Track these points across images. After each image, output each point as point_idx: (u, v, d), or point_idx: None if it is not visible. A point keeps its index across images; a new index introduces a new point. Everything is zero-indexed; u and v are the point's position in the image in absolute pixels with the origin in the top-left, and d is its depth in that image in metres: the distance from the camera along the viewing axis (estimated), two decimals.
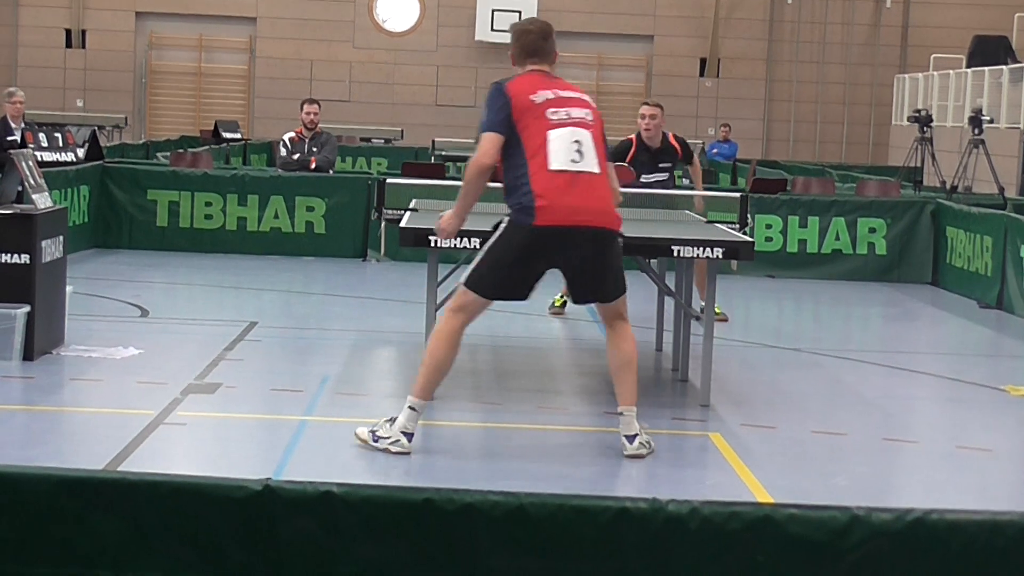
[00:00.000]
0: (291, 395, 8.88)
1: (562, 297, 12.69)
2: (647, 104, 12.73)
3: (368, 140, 30.37)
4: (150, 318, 11.77)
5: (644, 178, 12.39)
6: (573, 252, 7.42)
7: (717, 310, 12.26)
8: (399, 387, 9.39)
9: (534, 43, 7.84)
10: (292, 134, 17.29)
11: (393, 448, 7.44)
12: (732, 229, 9.90)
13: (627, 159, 12.37)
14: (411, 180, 13.81)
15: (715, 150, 29.90)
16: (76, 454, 7.32)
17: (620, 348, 7.65)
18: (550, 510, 3.27)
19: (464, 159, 23.51)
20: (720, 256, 8.69)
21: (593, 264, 7.48)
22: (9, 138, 16.43)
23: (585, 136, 7.50)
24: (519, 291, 7.64)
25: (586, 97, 7.79)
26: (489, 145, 7.47)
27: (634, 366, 7.63)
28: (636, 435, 7.55)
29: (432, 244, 8.57)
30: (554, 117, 7.47)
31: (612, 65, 35.44)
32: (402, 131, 32.17)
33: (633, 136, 12.68)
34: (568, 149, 7.43)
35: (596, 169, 7.48)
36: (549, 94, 7.56)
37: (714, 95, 35.25)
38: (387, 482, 6.75)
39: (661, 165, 12.58)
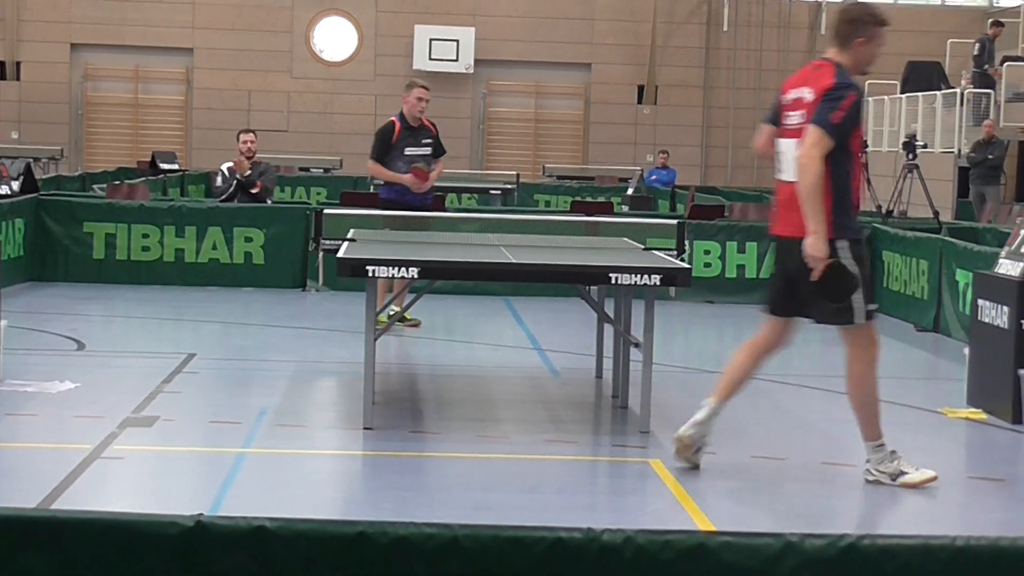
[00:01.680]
0: (229, 427, 8.82)
1: None
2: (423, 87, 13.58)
3: (307, 170, 30.31)
4: (87, 351, 11.68)
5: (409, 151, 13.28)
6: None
7: (408, 316, 12.62)
8: (339, 419, 9.36)
9: (835, 24, 7.91)
10: (231, 164, 17.25)
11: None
12: (670, 256, 9.94)
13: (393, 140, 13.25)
14: (349, 210, 13.81)
15: (653, 177, 30.03)
16: (11, 490, 7.24)
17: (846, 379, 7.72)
18: (484, 542, 3.26)
19: None
20: (658, 283, 8.72)
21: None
22: None
23: (789, 145, 7.59)
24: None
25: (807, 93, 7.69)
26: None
27: (857, 399, 7.68)
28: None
29: (370, 274, 8.56)
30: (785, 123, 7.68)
31: (550, 93, 35.57)
32: (341, 160, 32.14)
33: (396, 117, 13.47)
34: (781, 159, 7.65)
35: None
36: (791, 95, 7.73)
37: (652, 122, 35.42)
38: (324, 515, 6.71)
39: (424, 142, 13.39)
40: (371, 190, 23.65)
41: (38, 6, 34.42)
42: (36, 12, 34.43)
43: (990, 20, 28.78)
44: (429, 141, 13.48)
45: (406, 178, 13.12)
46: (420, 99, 13.35)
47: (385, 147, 13.30)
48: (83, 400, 9.40)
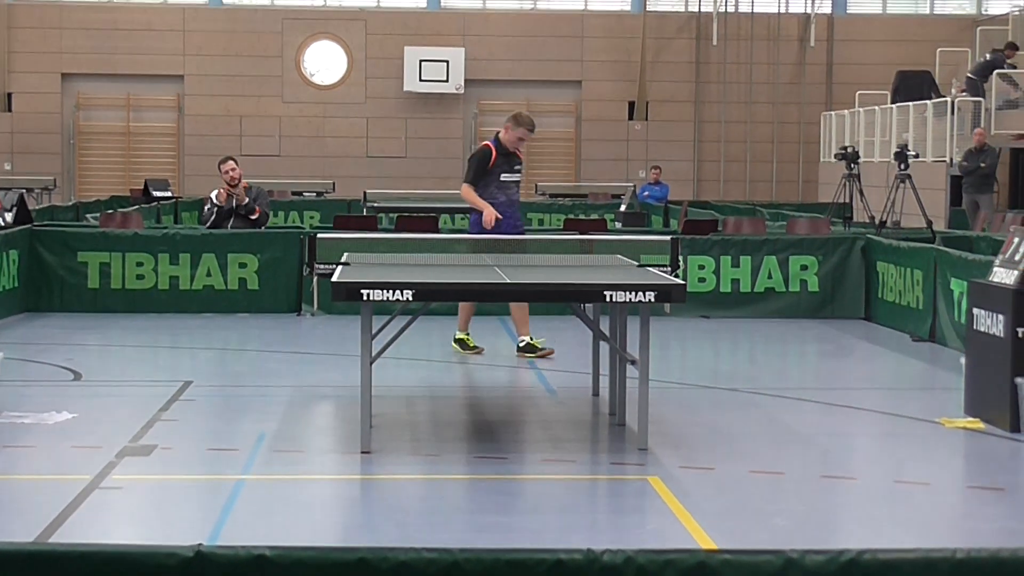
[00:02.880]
0: (227, 454, 8.81)
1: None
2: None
3: (300, 194, 30.34)
4: (83, 381, 11.66)
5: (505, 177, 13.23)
6: None
7: (468, 339, 13.07)
8: (337, 443, 9.35)
9: None
10: (219, 191, 17.23)
11: None
12: (664, 272, 9.94)
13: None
14: (342, 234, 13.81)
15: (646, 192, 30.06)
16: (11, 523, 7.23)
17: None
18: (485, 565, 3.26)
19: (397, 210, 23.52)
20: (652, 299, 8.72)
21: None
22: None
23: None
24: None
25: None
26: None
27: None
28: None
29: (365, 297, 8.56)
30: None
31: (542, 111, 35.58)
32: (333, 184, 32.17)
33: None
34: None
35: None
36: None
37: (644, 138, 35.47)
38: (324, 541, 6.71)
39: (516, 168, 13.37)
40: (363, 213, 23.67)
41: (29, 37, 34.46)
42: (27, 43, 34.46)
43: (1007, 42, 28.74)
44: (520, 167, 13.46)
45: (490, 212, 12.98)
46: (522, 139, 13.25)
47: (482, 172, 13.19)
48: (81, 430, 9.39)
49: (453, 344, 13.26)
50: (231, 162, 17.08)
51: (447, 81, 34.68)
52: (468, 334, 13.28)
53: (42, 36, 34.46)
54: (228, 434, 9.53)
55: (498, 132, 13.37)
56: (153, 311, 16.00)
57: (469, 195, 13.28)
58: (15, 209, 16.92)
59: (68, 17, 34.54)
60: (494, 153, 13.22)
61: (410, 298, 8.72)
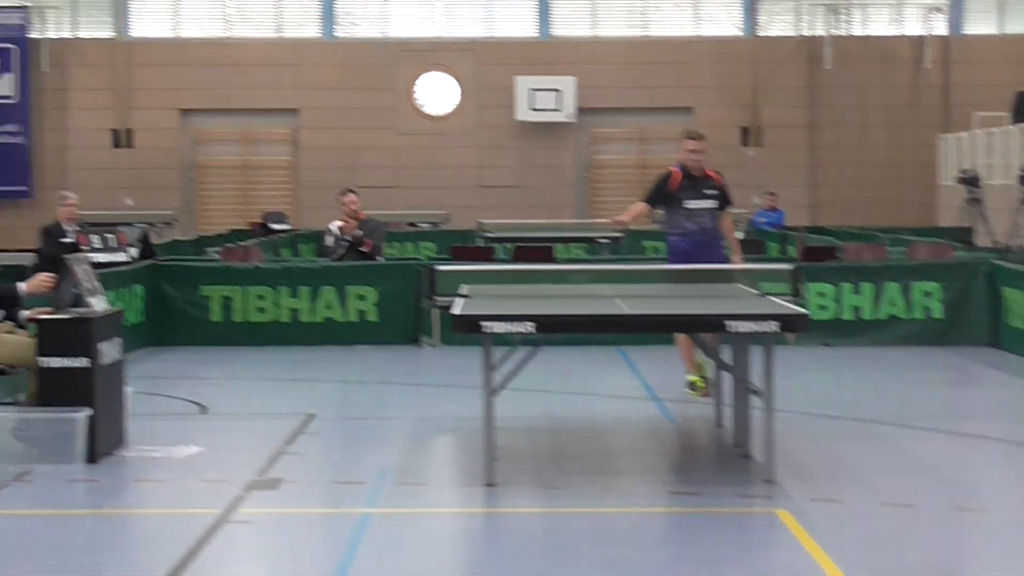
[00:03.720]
0: (352, 487, 8.85)
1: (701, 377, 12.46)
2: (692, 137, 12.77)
3: (414, 225, 30.44)
4: (209, 414, 11.79)
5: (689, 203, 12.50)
6: None
7: (699, 380, 12.33)
8: (460, 476, 9.36)
9: None
10: (340, 223, 17.40)
11: None
12: (786, 300, 9.83)
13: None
14: (461, 266, 13.82)
15: (761, 219, 29.81)
16: (142, 558, 7.32)
17: None
18: None
19: (512, 240, 23.55)
20: (776, 329, 8.64)
21: None
22: (63, 241, 16.55)
23: None
24: None
25: None
26: None
27: None
28: None
29: (486, 330, 8.56)
30: None
31: (654, 138, 35.46)
32: (447, 214, 32.25)
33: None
34: None
35: None
36: None
37: (757, 164, 35.20)
38: (450, 574, 6.73)
39: (706, 192, 12.58)
40: (478, 243, 23.73)
41: (148, 75, 34.99)
42: (146, 80, 35.00)
43: None
44: (713, 192, 12.55)
45: (624, 218, 12.56)
46: (691, 151, 12.51)
47: (659, 194, 12.49)
48: (208, 464, 9.49)
49: (686, 389, 12.45)
50: (351, 194, 17.25)
51: (559, 110, 34.68)
52: (700, 374, 12.41)
53: (161, 73, 34.98)
54: (352, 467, 9.57)
55: None
56: (274, 343, 16.14)
57: (631, 210, 12.64)
58: (139, 244, 17.15)
59: (186, 54, 35.03)
60: (677, 176, 12.47)
61: (531, 330, 8.71)
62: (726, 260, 12.63)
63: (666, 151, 35.36)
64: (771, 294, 10.17)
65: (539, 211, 33.04)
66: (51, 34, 34.93)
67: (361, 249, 17.11)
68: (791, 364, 14.15)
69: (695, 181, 12.54)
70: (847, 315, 16.21)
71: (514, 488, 8.78)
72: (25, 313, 10.00)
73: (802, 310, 9.14)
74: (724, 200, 12.75)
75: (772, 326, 8.61)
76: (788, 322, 8.69)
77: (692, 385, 12.37)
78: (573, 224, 30.23)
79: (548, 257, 17.96)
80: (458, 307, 9.24)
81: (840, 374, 14.62)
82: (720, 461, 10.01)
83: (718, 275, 11.77)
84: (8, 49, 34.51)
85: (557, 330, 9.40)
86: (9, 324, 9.92)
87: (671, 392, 12.65)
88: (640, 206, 12.72)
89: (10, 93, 34.49)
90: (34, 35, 34.74)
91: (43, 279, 9.84)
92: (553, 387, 13.11)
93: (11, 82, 34.51)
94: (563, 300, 10.07)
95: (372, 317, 16.43)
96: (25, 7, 34.69)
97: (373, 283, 16.46)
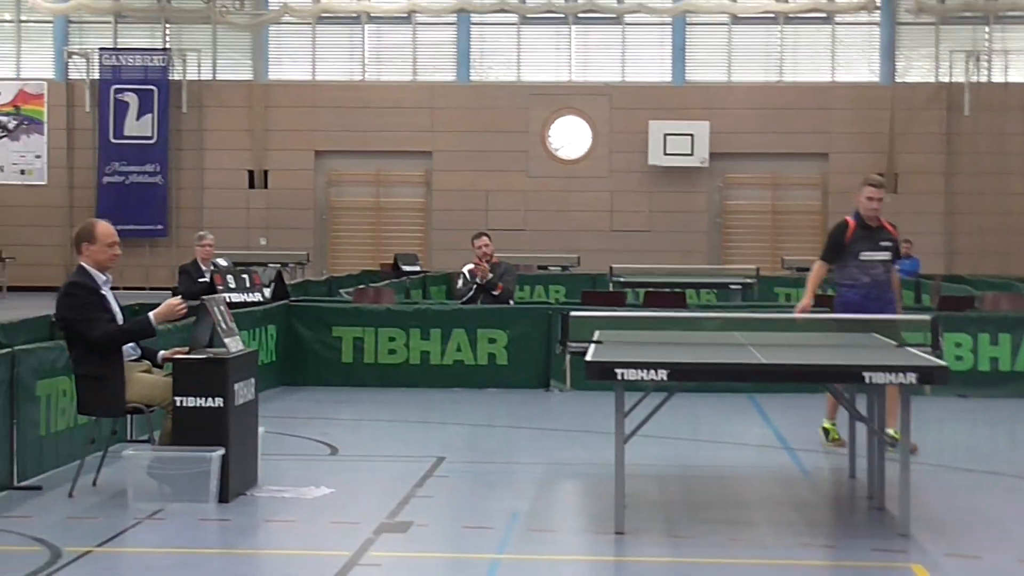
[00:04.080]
0: (482, 532, 8.86)
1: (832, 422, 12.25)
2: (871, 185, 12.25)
3: (545, 268, 30.51)
4: (340, 456, 11.88)
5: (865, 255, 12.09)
6: None
7: (834, 429, 12.07)
8: (590, 523, 9.32)
9: None
10: (471, 266, 17.49)
11: None
12: (923, 352, 9.69)
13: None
14: (593, 311, 13.81)
15: (896, 267, 29.45)
16: None
17: None
18: None
19: (643, 285, 23.49)
20: (914, 381, 8.51)
21: None
22: (200, 280, 16.88)
23: None
24: None
25: None
26: None
27: None
28: None
29: (619, 377, 8.55)
30: None
31: (788, 184, 35.25)
32: (578, 258, 32.25)
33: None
34: None
35: None
36: None
37: (893, 211, 34.72)
38: None
39: (882, 244, 12.19)
40: (610, 288, 23.71)
41: (284, 117, 35.53)
42: (282, 122, 35.54)
43: None
44: (888, 244, 12.20)
45: (800, 305, 11.93)
46: (870, 198, 12.07)
47: (837, 248, 12.11)
48: (338, 505, 9.55)
49: (820, 431, 12.30)
50: (484, 238, 17.36)
51: (692, 155, 34.60)
52: (834, 423, 12.20)
53: (297, 115, 35.51)
54: (482, 512, 9.57)
55: None
56: (404, 385, 16.22)
57: (813, 274, 12.24)
58: (272, 284, 17.35)
59: (321, 96, 35.52)
60: (851, 226, 12.11)
61: (664, 378, 8.68)
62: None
63: (800, 197, 35.16)
64: (908, 344, 10.02)
65: (670, 256, 32.97)
66: (191, 76, 35.63)
67: (493, 293, 17.19)
68: (926, 415, 13.91)
69: (870, 232, 12.17)
70: (984, 366, 15.93)
71: (643, 536, 8.73)
72: (162, 353, 10.17)
73: (941, 362, 9.00)
74: (896, 253, 12.44)
75: (911, 378, 8.48)
76: (927, 374, 8.56)
77: (825, 432, 12.21)
78: (705, 269, 30.11)
79: (680, 303, 17.87)
80: (591, 353, 9.22)
81: (976, 426, 14.36)
82: (854, 513, 9.86)
83: (854, 325, 11.59)
84: (149, 91, 35.27)
85: (691, 378, 9.31)
86: (146, 363, 10.08)
87: (803, 441, 12.51)
88: (818, 271, 12.33)
89: (149, 133, 35.23)
90: (175, 77, 35.47)
91: (172, 304, 9.96)
92: (683, 434, 13.02)
93: (150, 123, 35.26)
94: (697, 348, 10.00)
95: (502, 360, 16.46)
96: (167, 49, 35.45)
97: (504, 326, 16.50)
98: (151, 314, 9.92)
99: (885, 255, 12.19)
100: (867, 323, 11.24)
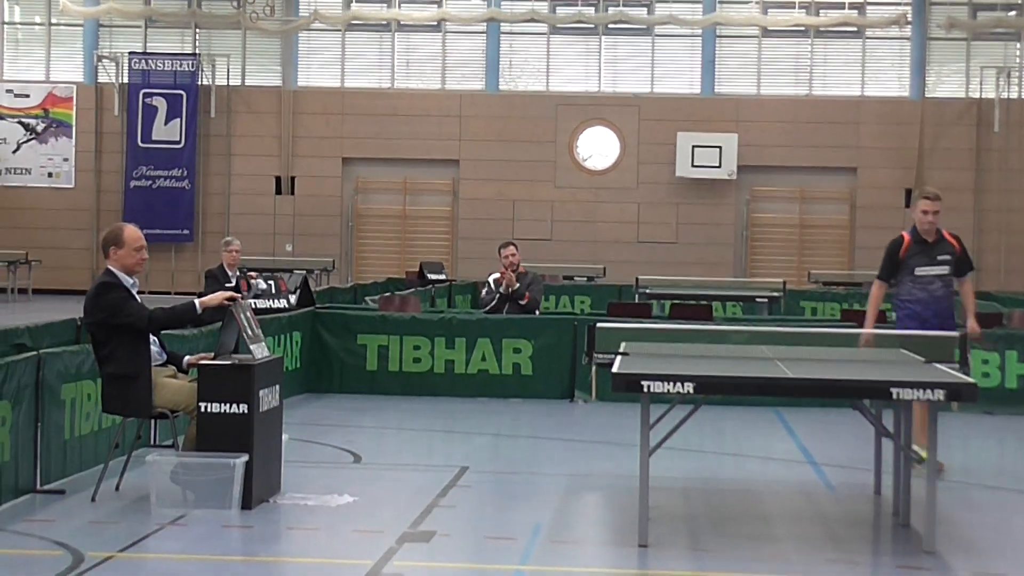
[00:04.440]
0: (505, 543, 8.84)
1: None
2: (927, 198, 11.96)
3: (571, 278, 30.51)
4: (363, 464, 11.88)
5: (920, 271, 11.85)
6: None
7: (923, 452, 11.85)
8: (614, 535, 9.29)
9: None
10: (497, 275, 17.49)
11: None
12: (951, 368, 9.64)
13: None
14: (619, 322, 13.78)
15: (967, 276, 29.27)
16: None
17: None
18: None
19: (669, 297, 23.47)
20: (942, 398, 8.46)
21: None
22: (227, 286, 16.87)
23: None
24: None
25: None
26: None
27: None
28: None
29: (645, 389, 8.53)
30: None
31: (815, 198, 35.15)
32: (604, 268, 32.24)
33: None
34: None
35: None
36: None
37: None
38: None
39: (940, 259, 11.92)
40: (636, 299, 23.67)
41: (313, 124, 35.60)
42: (310, 129, 35.60)
43: None
44: (947, 257, 11.89)
45: (863, 338, 11.33)
46: (925, 211, 11.78)
47: (892, 264, 11.89)
48: (361, 514, 9.54)
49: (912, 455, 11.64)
50: (511, 247, 17.38)
51: (720, 167, 34.55)
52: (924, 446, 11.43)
53: (325, 122, 35.57)
54: (505, 522, 9.55)
55: None
56: (428, 394, 16.23)
57: (873, 297, 11.99)
58: (298, 291, 17.38)
59: (350, 103, 35.58)
60: (906, 241, 11.87)
61: (691, 390, 8.65)
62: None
63: (827, 211, 35.07)
64: (936, 361, 9.97)
65: (696, 268, 32.94)
66: (220, 81, 35.73)
67: (520, 302, 17.19)
68: (952, 432, 13.86)
69: (927, 246, 11.92)
70: (1011, 383, 15.86)
71: (667, 549, 8.70)
72: (187, 358, 10.18)
73: (970, 379, 8.94)
74: (962, 265, 12.11)
75: (939, 395, 8.43)
76: (955, 391, 8.51)
77: (918, 458, 11.76)
78: (731, 282, 30.05)
79: (706, 316, 17.82)
80: (617, 365, 9.21)
81: (1003, 443, 14.30)
82: (878, 530, 9.82)
83: (882, 340, 11.52)
84: (178, 95, 35.37)
85: (717, 391, 9.28)
86: (171, 369, 10.09)
87: (828, 456, 12.47)
88: (876, 292, 12.07)
89: (177, 138, 35.32)
90: (204, 82, 35.55)
91: (221, 295, 9.95)
92: (708, 447, 13.00)
93: (179, 127, 35.35)
94: (723, 361, 9.96)
95: (527, 371, 16.45)
96: (196, 54, 35.54)
97: (529, 336, 16.49)
98: (197, 300, 9.95)
99: (942, 269, 11.91)
100: (895, 338, 11.18)
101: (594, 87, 35.71)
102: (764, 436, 13.86)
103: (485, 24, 35.37)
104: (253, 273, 17.71)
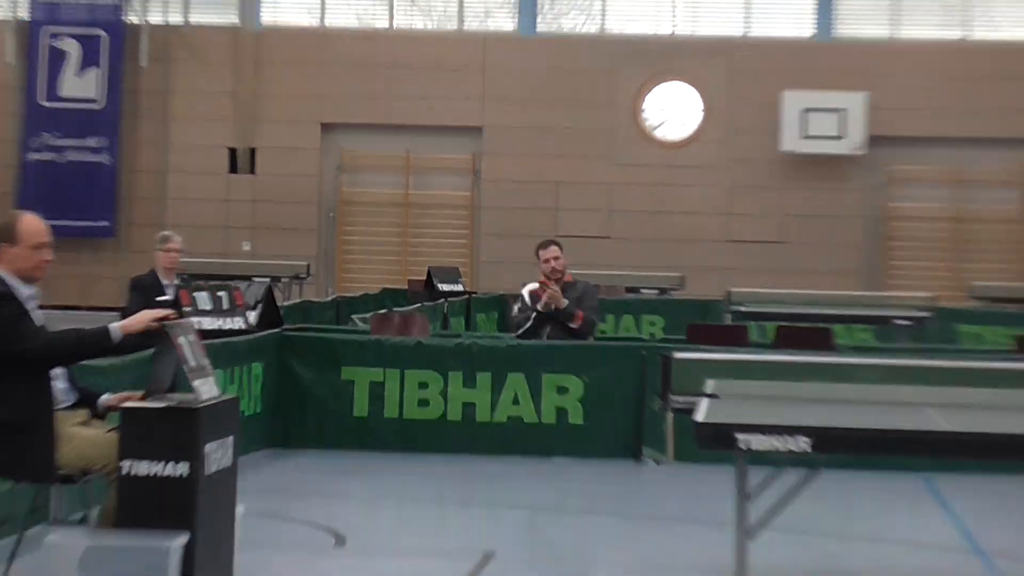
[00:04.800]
0: None
1: None
2: None
3: (636, 291, 30.52)
4: (348, 548, 11.85)
5: None
6: None
7: None
8: None
9: None
10: (535, 286, 17.35)
11: None
12: None
13: None
14: (704, 352, 13.70)
15: None
16: None
17: None
18: None
19: (773, 317, 23.38)
20: None
21: None
22: (160, 299, 16.63)
23: None
24: None
25: None
26: None
27: None
28: None
29: (742, 445, 8.48)
30: None
31: (977, 181, 35.04)
32: (683, 278, 32.23)
33: None
34: None
35: None
36: None
37: None
38: None
39: None
40: (727, 320, 23.61)
41: (281, 77, 35.72)
42: (278, 84, 35.72)
43: None
44: None
45: None
46: None
47: None
48: None
49: None
50: (554, 247, 17.24)
51: (842, 138, 34.53)
52: None
53: (298, 74, 35.68)
54: None
55: None
56: (440, 450, 16.20)
57: None
58: (260, 306, 17.29)
59: (332, 49, 35.69)
60: None
61: (806, 448, 8.61)
62: None
63: (992, 200, 34.97)
64: None
65: (811, 278, 32.91)
66: (154, 18, 35.85)
67: (571, 325, 17.02)
68: None
69: None
70: None
71: None
72: (105, 398, 10.07)
73: None
74: None
75: None
76: None
77: None
78: (859, 297, 29.92)
79: (825, 343, 17.74)
80: (702, 411, 9.15)
81: None
82: None
83: None
84: (96, 36, 35.47)
85: (843, 449, 9.25)
86: (83, 413, 9.98)
87: (1001, 542, 12.39)
88: None
89: (94, 96, 35.41)
90: (132, 19, 35.66)
91: (150, 314, 9.74)
92: (831, 529, 12.94)
93: (97, 80, 35.45)
94: (849, 407, 9.98)
95: (576, 419, 16.40)
96: None
97: (579, 371, 16.43)
98: (116, 324, 9.77)
99: None
100: None
101: (667, 29, 35.76)
102: (909, 513, 13.83)
103: None
104: (198, 282, 17.69)
